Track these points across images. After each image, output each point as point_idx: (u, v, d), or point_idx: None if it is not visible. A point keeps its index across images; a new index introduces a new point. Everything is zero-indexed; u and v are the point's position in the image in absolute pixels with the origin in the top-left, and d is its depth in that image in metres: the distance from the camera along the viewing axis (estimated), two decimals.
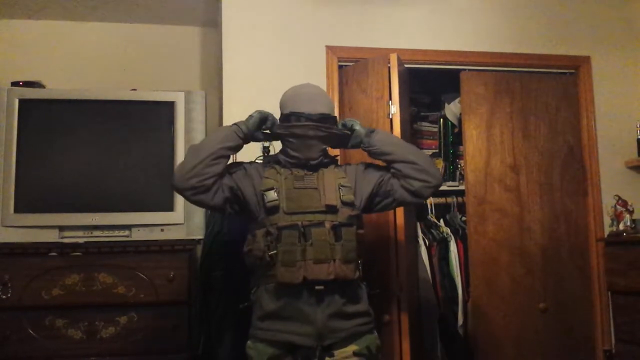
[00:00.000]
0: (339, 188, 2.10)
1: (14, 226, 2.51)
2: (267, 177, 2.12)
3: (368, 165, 2.25)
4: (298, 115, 2.12)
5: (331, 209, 2.06)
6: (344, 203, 2.09)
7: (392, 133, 2.80)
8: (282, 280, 1.99)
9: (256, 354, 2.03)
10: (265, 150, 2.91)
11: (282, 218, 2.03)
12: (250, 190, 2.10)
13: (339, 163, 2.26)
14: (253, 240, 2.07)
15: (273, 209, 2.04)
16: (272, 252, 2.01)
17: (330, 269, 1.98)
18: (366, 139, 2.18)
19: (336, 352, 2.01)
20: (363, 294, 2.12)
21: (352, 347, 2.03)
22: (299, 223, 2.02)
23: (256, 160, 2.65)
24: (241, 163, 2.21)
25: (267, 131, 2.21)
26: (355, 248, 2.05)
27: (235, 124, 2.16)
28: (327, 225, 2.03)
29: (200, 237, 2.62)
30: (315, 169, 2.14)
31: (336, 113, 3.00)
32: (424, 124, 3.66)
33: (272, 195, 2.05)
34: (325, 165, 2.17)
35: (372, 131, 2.21)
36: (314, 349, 1.99)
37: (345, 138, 2.22)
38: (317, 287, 1.98)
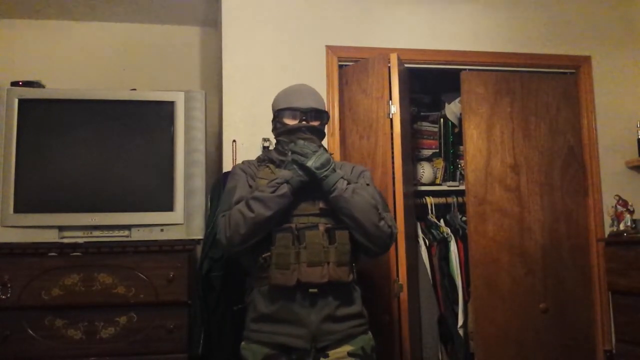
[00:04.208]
0: None
1: (13, 226, 2.49)
2: (261, 178, 2.12)
3: (363, 172, 2.22)
4: (289, 109, 2.15)
5: (325, 212, 2.06)
6: None
7: (392, 134, 2.81)
8: (275, 282, 1.98)
9: (250, 354, 2.03)
10: (265, 150, 2.91)
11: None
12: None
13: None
14: None
15: None
16: (265, 255, 2.01)
17: (324, 271, 1.98)
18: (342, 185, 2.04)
19: (330, 353, 2.01)
20: (357, 295, 2.11)
21: (347, 348, 2.02)
22: (293, 226, 2.02)
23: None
24: (238, 172, 2.19)
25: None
26: (349, 251, 2.04)
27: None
28: (321, 228, 2.03)
29: (200, 237, 2.61)
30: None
31: (336, 113, 3.02)
32: (424, 123, 3.66)
33: None
34: None
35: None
36: (308, 350, 1.99)
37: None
38: (310, 290, 1.98)
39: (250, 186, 2.12)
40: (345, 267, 2.02)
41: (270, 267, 1.99)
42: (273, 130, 2.25)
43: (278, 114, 2.20)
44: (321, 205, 2.07)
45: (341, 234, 2.03)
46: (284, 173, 2.05)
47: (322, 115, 2.20)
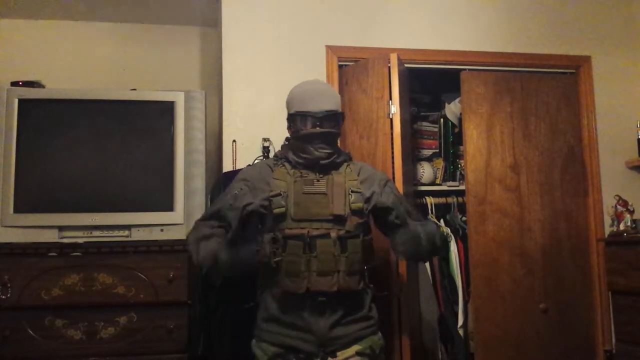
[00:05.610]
0: (349, 194, 2.07)
1: (13, 226, 2.50)
2: (276, 179, 2.10)
3: (387, 182, 2.22)
4: (303, 115, 2.09)
5: (339, 219, 2.04)
6: (353, 211, 2.05)
7: (392, 134, 2.81)
8: (285, 289, 1.99)
9: (260, 352, 2.05)
10: (266, 150, 2.91)
11: (289, 224, 2.02)
12: (259, 201, 2.10)
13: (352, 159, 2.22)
14: (260, 244, 2.06)
15: (280, 216, 2.03)
16: (277, 259, 2.00)
17: (334, 280, 1.98)
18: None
19: (338, 354, 2.02)
20: (367, 298, 2.10)
21: (355, 347, 2.03)
22: (305, 233, 2.00)
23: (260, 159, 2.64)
24: (235, 184, 2.17)
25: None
26: (360, 259, 2.03)
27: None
28: (333, 235, 2.01)
29: None
30: (326, 170, 2.10)
31: None
32: (424, 123, 3.66)
33: (279, 202, 2.04)
34: (337, 166, 2.13)
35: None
36: (316, 353, 2.00)
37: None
38: (320, 299, 1.98)
39: (265, 201, 2.08)
40: (355, 276, 2.02)
41: (281, 274, 1.99)
42: (288, 129, 2.19)
43: (292, 117, 2.14)
44: (335, 211, 2.04)
45: (353, 242, 2.02)
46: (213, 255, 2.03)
47: (336, 116, 2.13)
